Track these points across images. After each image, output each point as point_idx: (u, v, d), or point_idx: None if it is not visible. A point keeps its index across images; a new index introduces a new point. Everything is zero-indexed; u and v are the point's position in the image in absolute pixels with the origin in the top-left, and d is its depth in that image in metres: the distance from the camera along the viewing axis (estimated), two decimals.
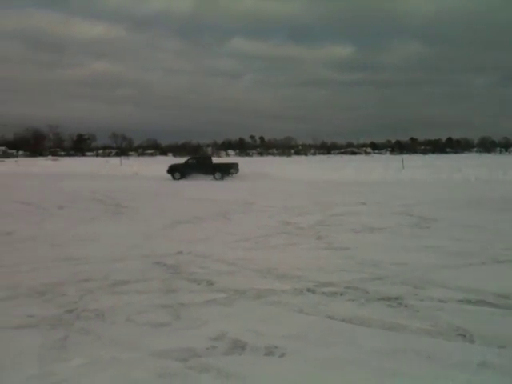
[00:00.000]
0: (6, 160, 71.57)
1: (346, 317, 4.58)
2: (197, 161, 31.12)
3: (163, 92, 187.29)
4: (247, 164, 34.25)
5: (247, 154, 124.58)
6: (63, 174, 38.08)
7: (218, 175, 28.46)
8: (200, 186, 23.53)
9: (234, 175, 28.95)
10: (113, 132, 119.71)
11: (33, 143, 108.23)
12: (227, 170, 29.04)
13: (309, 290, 5.49)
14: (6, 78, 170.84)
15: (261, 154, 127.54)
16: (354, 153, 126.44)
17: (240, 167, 29.71)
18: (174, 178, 29.12)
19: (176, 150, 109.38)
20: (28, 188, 23.05)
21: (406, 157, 51.86)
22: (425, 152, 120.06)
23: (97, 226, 10.67)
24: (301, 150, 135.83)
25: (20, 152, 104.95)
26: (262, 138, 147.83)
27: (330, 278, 5.94)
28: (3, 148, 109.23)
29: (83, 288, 5.63)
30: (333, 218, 11.47)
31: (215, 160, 32.79)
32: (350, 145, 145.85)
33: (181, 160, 36.78)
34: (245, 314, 4.74)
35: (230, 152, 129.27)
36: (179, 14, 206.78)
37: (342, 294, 5.31)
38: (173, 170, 29.60)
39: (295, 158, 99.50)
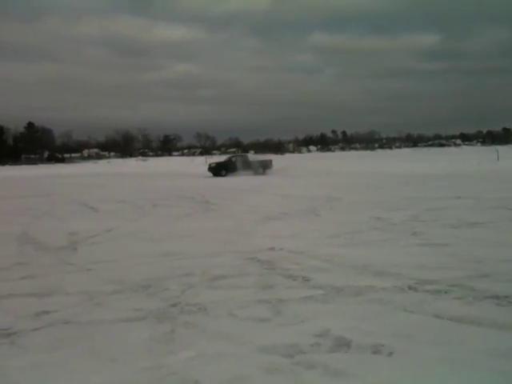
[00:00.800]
0: (99, 161, 75.84)
1: (453, 316, 4.36)
2: (237, 158, 34.97)
3: (243, 90, 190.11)
4: (328, 160, 33.78)
5: (329, 150, 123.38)
6: (152, 173, 39.78)
7: (259, 170, 31.76)
8: (282, 183, 23.59)
9: (268, 170, 32.25)
10: (197, 132, 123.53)
11: (123, 145, 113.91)
12: (264, 166, 32.74)
13: (410, 287, 5.28)
14: (96, 83, 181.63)
15: (343, 148, 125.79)
16: (442, 145, 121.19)
17: (321, 163, 31.44)
18: (219, 175, 31.61)
19: (258, 147, 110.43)
20: (122, 187, 24.25)
21: (499, 148, 48.88)
22: None
23: (190, 223, 11.00)
24: (385, 143, 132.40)
25: (111, 153, 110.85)
26: (344, 133, 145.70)
27: (432, 276, 5.68)
28: (96, 150, 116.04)
29: (184, 282, 5.79)
30: (427, 213, 11.01)
31: (251, 158, 36.31)
32: (437, 137, 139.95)
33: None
34: (345, 311, 4.65)
35: (312, 148, 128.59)
36: (257, 12, 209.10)
37: (446, 292, 5.06)
38: (218, 168, 32.71)
39: (379, 151, 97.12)
